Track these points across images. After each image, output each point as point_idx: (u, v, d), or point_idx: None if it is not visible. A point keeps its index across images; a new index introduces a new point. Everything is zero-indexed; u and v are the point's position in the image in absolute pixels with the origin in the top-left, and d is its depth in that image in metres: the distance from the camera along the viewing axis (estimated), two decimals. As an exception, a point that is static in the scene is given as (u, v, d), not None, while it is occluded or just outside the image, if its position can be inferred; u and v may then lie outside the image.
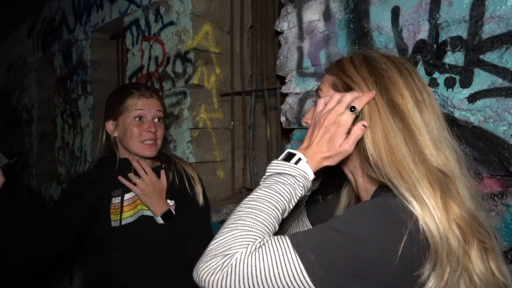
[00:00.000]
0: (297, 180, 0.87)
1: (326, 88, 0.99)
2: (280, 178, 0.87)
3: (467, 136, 1.12)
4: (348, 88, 0.93)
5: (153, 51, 2.48)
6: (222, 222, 2.01)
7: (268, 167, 0.91)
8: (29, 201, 3.61)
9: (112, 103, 1.66)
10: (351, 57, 0.98)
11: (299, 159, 0.90)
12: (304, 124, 1.04)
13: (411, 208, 0.75)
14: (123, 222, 1.58)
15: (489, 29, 1.07)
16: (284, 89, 1.70)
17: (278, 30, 1.72)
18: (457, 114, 1.14)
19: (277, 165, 0.90)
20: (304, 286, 0.72)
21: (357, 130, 0.88)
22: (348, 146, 0.89)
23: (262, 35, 2.14)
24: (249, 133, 2.22)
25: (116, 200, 1.62)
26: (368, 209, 0.79)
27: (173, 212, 1.59)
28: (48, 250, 1.57)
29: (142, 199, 1.57)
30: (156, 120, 1.64)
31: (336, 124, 0.89)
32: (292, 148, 1.64)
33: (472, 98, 1.11)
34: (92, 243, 1.64)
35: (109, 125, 1.65)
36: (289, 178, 0.87)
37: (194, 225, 1.66)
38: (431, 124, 0.85)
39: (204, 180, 2.15)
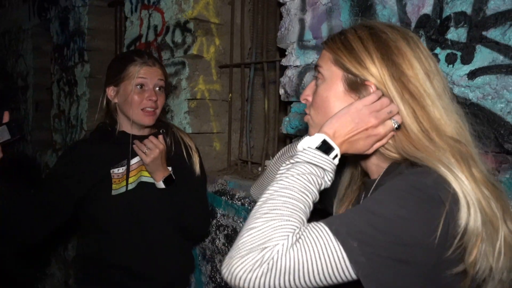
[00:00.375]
0: (329, 174, 0.84)
1: (327, 65, 0.93)
2: (314, 169, 0.82)
3: (465, 113, 1.12)
4: (354, 65, 0.88)
5: (152, 20, 2.44)
6: (217, 193, 2.03)
7: (303, 153, 0.84)
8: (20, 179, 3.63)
9: (114, 69, 1.65)
10: (355, 30, 0.91)
11: (336, 156, 0.84)
12: (303, 101, 1.01)
13: (448, 183, 0.73)
14: (130, 187, 1.62)
15: (494, 5, 1.06)
16: (284, 62, 1.69)
17: (281, 1, 1.69)
18: (456, 90, 1.14)
19: (313, 155, 0.83)
20: (345, 275, 0.69)
21: (388, 132, 0.86)
22: (372, 149, 0.88)
23: (263, 7, 2.11)
24: (246, 106, 2.22)
25: (119, 170, 1.63)
26: (406, 189, 0.74)
27: (173, 177, 1.62)
28: (44, 230, 1.59)
29: (149, 167, 1.59)
30: (158, 89, 1.64)
31: (376, 132, 0.85)
32: (290, 121, 1.65)
33: (472, 75, 1.11)
34: (90, 215, 1.66)
35: (110, 91, 1.65)
36: (321, 172, 0.83)
37: (191, 194, 1.68)
38: (442, 93, 0.85)
39: (200, 151, 2.15)
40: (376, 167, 0.95)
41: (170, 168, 1.66)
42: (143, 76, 1.59)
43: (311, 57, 1.57)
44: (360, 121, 0.84)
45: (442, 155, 0.77)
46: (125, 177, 1.63)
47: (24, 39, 4.46)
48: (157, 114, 1.65)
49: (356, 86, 0.88)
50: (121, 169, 1.64)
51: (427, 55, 0.87)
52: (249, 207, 1.84)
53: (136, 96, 1.58)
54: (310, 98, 0.98)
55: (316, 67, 0.96)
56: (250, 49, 2.24)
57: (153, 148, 1.57)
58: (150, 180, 1.64)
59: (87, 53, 3.24)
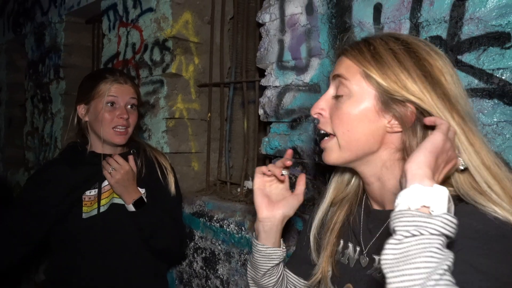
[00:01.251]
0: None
1: (356, 79, 0.81)
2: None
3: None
4: (390, 84, 0.78)
5: (130, 38, 2.41)
6: (195, 214, 1.98)
7: (436, 221, 0.59)
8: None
9: (85, 87, 1.63)
10: (384, 41, 0.81)
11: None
12: (314, 115, 0.89)
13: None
14: (101, 210, 1.57)
15: (468, 30, 1.08)
16: (263, 82, 1.68)
17: (260, 21, 1.70)
18: (433, 113, 1.15)
19: (447, 222, 0.59)
20: None
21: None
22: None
23: (243, 27, 2.11)
24: (225, 125, 2.20)
25: (91, 193, 1.59)
26: (497, 239, 0.66)
27: (145, 199, 1.57)
28: (15, 256, 1.55)
29: (115, 188, 1.55)
30: (129, 106, 1.61)
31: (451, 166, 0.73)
32: (269, 141, 1.64)
33: (448, 98, 1.12)
34: (60, 238, 1.60)
35: (81, 109, 1.62)
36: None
37: (166, 216, 1.64)
38: (471, 109, 0.79)
39: (178, 171, 2.11)
40: (392, 196, 0.83)
41: (143, 190, 1.62)
42: (113, 94, 1.56)
43: (290, 77, 1.57)
44: (443, 158, 0.70)
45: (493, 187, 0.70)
46: (96, 200, 1.58)
47: (-2, 54, 4.36)
48: (129, 133, 1.62)
49: (390, 105, 0.79)
50: (93, 192, 1.59)
51: (452, 67, 0.80)
52: (227, 229, 1.80)
53: (107, 114, 1.55)
54: (325, 114, 0.87)
55: (337, 77, 0.85)
56: (230, 69, 2.24)
57: (118, 169, 1.52)
58: (122, 202, 1.59)
59: (63, 70, 3.18)
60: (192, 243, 1.99)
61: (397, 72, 0.77)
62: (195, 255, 1.98)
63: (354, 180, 1.01)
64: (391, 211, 0.78)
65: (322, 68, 1.46)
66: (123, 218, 1.57)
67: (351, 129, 0.81)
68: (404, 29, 1.22)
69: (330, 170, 1.46)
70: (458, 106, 0.75)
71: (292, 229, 1.55)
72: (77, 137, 1.68)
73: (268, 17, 1.65)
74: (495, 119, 1.04)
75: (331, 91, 0.87)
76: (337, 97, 0.84)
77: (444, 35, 1.13)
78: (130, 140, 1.64)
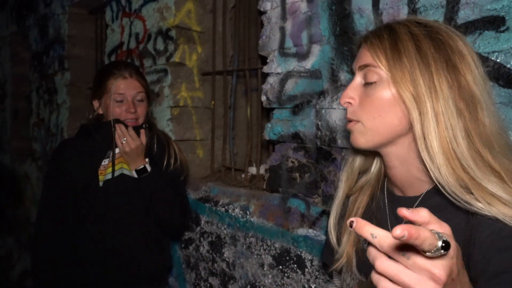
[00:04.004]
0: None
1: (382, 64, 0.80)
2: None
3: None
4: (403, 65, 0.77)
5: (133, 28, 2.44)
6: (200, 199, 2.03)
7: None
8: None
9: (96, 83, 1.74)
10: (408, 26, 0.80)
11: None
12: (344, 105, 0.88)
13: None
14: (116, 174, 1.68)
15: (464, 15, 1.11)
16: (265, 69, 1.72)
17: (261, 9, 1.73)
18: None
19: None
20: None
21: None
22: None
23: (244, 15, 2.14)
24: (229, 113, 2.24)
25: (105, 162, 1.70)
26: None
27: (148, 169, 1.67)
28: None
29: (124, 156, 1.67)
30: (137, 99, 1.70)
31: None
32: (272, 127, 1.68)
33: (446, 81, 1.15)
34: (80, 207, 1.69)
35: (95, 103, 1.74)
36: None
37: (168, 187, 1.73)
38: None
39: (183, 158, 2.17)
40: (419, 181, 0.84)
41: (147, 160, 1.71)
42: (120, 92, 1.65)
43: (292, 64, 1.60)
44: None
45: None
46: (110, 165, 1.68)
47: (2, 46, 4.39)
48: (140, 123, 1.72)
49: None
50: (106, 161, 1.70)
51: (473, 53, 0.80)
52: (232, 214, 1.85)
53: (117, 109, 1.66)
54: (355, 102, 0.86)
55: (364, 67, 0.84)
56: (232, 57, 2.27)
57: (130, 142, 1.63)
58: (129, 173, 1.70)
59: (67, 61, 3.21)
60: (199, 228, 2.05)
61: (411, 64, 0.77)
62: (202, 239, 2.03)
63: (375, 165, 0.99)
64: (413, 197, 0.82)
65: (323, 55, 1.49)
66: (129, 188, 1.68)
67: (383, 114, 0.81)
68: (402, 15, 1.24)
69: (331, 155, 1.51)
70: (478, 98, 0.75)
71: (295, 211, 1.60)
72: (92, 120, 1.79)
73: (269, 5, 1.68)
74: (490, 101, 1.07)
75: (358, 79, 0.86)
76: (367, 84, 0.84)
77: (441, 19, 1.16)
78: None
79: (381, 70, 0.80)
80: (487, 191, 0.70)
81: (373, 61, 0.81)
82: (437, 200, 0.77)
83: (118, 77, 1.66)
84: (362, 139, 0.85)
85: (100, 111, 1.73)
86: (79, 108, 3.17)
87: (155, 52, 2.28)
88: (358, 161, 0.99)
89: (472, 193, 0.71)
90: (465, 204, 0.71)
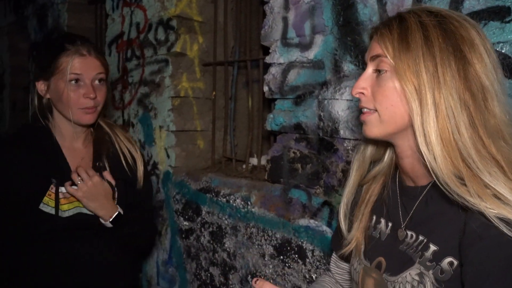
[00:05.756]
0: None
1: (391, 53, 0.80)
2: None
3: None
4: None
5: (134, 17, 2.42)
6: (201, 190, 2.04)
7: None
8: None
9: (42, 59, 1.44)
10: (419, 16, 0.79)
11: None
12: (356, 95, 0.89)
13: None
14: (61, 214, 1.39)
15: (469, 5, 1.11)
16: (267, 59, 1.71)
17: (264, -1, 1.72)
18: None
19: None
20: None
21: None
22: None
23: (246, 5, 2.12)
24: (230, 104, 2.23)
25: (52, 189, 1.41)
26: None
27: (121, 212, 1.46)
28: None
29: (86, 204, 1.40)
30: (97, 82, 1.43)
31: None
32: (274, 118, 1.67)
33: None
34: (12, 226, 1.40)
35: (40, 86, 1.43)
36: None
37: (140, 216, 1.58)
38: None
39: (184, 149, 2.18)
40: (427, 171, 0.83)
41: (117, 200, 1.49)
42: (77, 72, 1.37)
43: (294, 54, 1.59)
44: None
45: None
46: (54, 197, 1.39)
47: (0, 37, 4.35)
48: (99, 111, 1.46)
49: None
50: (53, 189, 1.40)
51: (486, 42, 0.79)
52: (233, 204, 1.85)
53: (72, 94, 1.37)
54: (367, 92, 0.86)
55: (376, 57, 0.84)
56: (234, 47, 2.26)
57: (86, 180, 1.38)
58: (89, 212, 1.43)
59: (67, 51, 3.19)
60: (199, 218, 2.05)
61: (416, 55, 0.77)
62: (202, 230, 2.04)
63: (388, 155, 0.99)
64: (423, 187, 0.84)
65: (325, 45, 1.49)
66: (92, 230, 1.45)
67: (395, 103, 0.81)
68: (407, 4, 1.24)
69: (333, 146, 1.51)
70: (489, 89, 0.75)
71: (297, 202, 1.61)
72: (39, 116, 1.47)
73: (272, -5, 1.66)
74: (494, 91, 1.07)
75: (370, 70, 0.87)
76: (379, 72, 0.84)
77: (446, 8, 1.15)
78: (97, 128, 1.54)
79: (389, 60, 0.80)
80: (482, 182, 0.71)
81: (382, 52, 0.82)
82: (441, 191, 0.78)
83: (74, 54, 1.37)
84: (375, 129, 0.86)
85: (48, 96, 1.42)
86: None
87: (156, 42, 2.27)
88: (370, 150, 1.00)
89: (465, 185, 0.72)
90: (457, 198, 0.72)
